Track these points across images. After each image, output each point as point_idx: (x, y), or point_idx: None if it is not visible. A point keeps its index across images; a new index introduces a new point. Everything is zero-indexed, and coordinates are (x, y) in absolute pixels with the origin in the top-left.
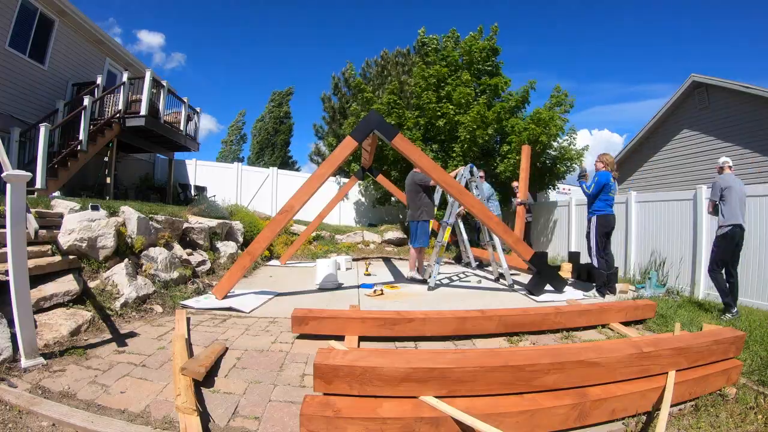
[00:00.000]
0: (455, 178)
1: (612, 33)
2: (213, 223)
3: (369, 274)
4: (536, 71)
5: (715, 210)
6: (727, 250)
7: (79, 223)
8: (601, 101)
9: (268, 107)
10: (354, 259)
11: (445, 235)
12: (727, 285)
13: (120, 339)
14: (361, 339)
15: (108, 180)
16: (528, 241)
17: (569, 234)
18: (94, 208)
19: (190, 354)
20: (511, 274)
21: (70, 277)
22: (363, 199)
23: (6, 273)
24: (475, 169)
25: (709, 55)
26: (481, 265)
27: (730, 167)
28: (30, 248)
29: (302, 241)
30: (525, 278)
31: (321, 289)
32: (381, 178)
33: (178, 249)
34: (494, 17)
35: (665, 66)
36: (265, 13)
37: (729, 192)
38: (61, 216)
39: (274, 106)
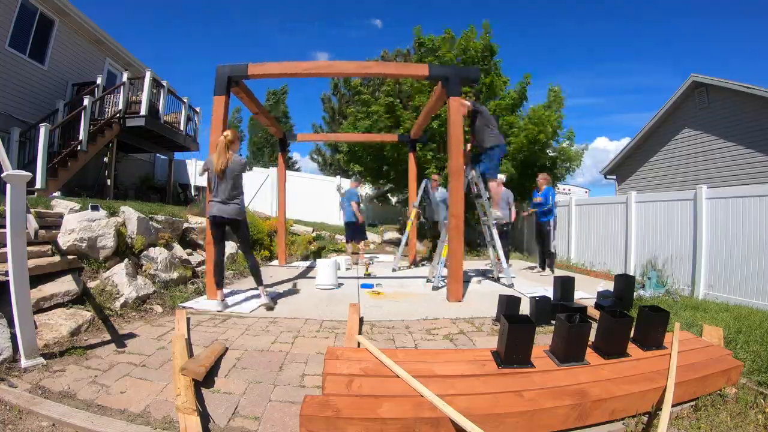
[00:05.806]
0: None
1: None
2: None
3: (369, 274)
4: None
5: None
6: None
7: (79, 223)
8: None
9: (265, 105)
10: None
11: None
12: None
13: (120, 339)
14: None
15: (108, 180)
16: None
17: (569, 233)
18: (94, 208)
19: (190, 354)
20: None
21: (70, 277)
22: (361, 203)
23: (6, 273)
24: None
25: (707, 55)
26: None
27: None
28: (30, 248)
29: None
30: (524, 279)
31: (321, 289)
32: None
33: (178, 249)
34: (491, 14)
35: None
36: (264, 8)
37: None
38: (61, 216)
39: (271, 105)
